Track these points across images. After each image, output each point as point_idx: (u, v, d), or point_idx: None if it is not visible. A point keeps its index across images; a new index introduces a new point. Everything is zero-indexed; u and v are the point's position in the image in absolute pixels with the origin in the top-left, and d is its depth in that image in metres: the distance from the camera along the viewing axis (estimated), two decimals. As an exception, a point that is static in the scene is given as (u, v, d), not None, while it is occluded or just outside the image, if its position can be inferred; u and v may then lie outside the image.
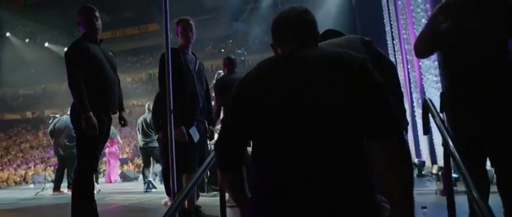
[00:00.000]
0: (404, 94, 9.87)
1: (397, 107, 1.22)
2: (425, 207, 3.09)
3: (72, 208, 2.82)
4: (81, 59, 2.90)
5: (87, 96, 2.82)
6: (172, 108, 2.80)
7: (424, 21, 6.00)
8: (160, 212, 3.92)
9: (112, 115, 3.14)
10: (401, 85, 10.39)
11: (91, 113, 2.79)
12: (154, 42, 27.42)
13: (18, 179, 15.74)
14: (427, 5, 6.21)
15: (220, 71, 6.77)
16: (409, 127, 9.72)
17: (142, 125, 6.66)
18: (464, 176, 1.58)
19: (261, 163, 1.21)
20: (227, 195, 2.17)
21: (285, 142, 1.14)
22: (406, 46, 8.76)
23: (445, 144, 1.90)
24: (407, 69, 8.90)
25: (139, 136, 6.81)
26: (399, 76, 11.08)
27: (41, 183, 8.39)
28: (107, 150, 10.73)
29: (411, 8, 7.06)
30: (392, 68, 2.23)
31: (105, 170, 12.91)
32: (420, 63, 7.19)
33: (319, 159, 1.11)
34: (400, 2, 8.79)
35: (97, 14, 3.09)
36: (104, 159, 12.48)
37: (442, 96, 2.28)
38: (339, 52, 1.22)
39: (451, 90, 2.19)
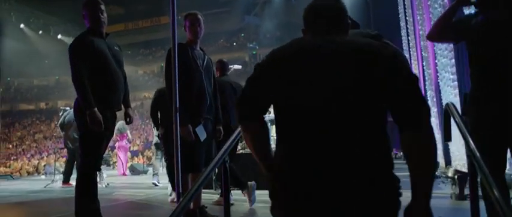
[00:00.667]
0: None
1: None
2: None
3: (76, 207, 2.76)
4: (85, 53, 2.81)
5: (91, 92, 2.73)
6: (178, 106, 2.72)
7: (441, 17, 5.79)
8: (166, 210, 3.88)
9: (118, 112, 3.05)
10: (416, 83, 10.11)
11: (96, 109, 2.71)
12: (167, 35, 27.29)
13: (32, 169, 15.98)
14: (445, 0, 5.98)
15: (232, 66, 6.70)
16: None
17: None
18: (486, 176, 1.46)
19: (285, 141, 1.24)
20: (227, 197, 2.09)
21: (309, 119, 1.17)
22: (421, 43, 8.52)
23: (469, 152, 1.75)
24: (422, 66, 8.66)
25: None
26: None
27: (52, 174, 8.45)
28: (117, 144, 10.83)
29: (429, 3, 6.82)
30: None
31: (115, 162, 13.01)
32: (436, 61, 6.96)
33: (341, 138, 1.14)
34: (416, -3, 8.54)
35: (102, 7, 2.99)
36: (115, 151, 12.58)
37: (466, 97, 2.15)
38: (371, 41, 1.27)
39: (479, 89, 2.05)
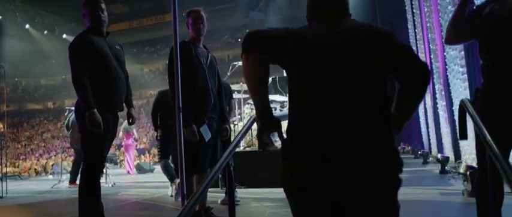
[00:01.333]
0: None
1: None
2: None
3: (79, 209, 2.72)
4: (85, 52, 2.74)
5: (92, 92, 2.67)
6: (181, 105, 2.66)
7: (450, 8, 5.64)
8: (171, 211, 3.83)
9: (120, 113, 2.99)
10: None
11: (95, 110, 2.64)
12: (171, 33, 27.33)
13: (40, 169, 16.09)
14: (454, -9, 5.83)
15: (235, 63, 6.64)
16: (432, 120, 9.37)
17: None
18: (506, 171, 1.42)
19: (297, 121, 1.33)
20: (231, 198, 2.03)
21: (319, 100, 1.29)
22: (429, 35, 8.37)
23: (487, 150, 1.66)
24: (430, 58, 8.51)
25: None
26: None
27: (60, 174, 8.47)
28: (123, 143, 10.88)
29: (436, -5, 6.68)
30: None
31: (122, 160, 13.05)
32: (445, 53, 6.82)
33: (348, 119, 1.26)
34: (423, -11, 8.38)
35: (103, 5, 2.92)
36: (121, 150, 12.61)
37: (477, 92, 2.05)
38: (371, 23, 1.44)
39: (491, 85, 1.95)
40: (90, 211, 2.69)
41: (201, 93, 2.91)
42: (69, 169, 8.52)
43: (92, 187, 2.72)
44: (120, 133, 10.21)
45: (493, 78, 1.95)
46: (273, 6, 24.08)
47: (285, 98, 5.91)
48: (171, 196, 4.73)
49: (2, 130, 7.08)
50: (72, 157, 10.99)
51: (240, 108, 6.93)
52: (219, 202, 4.02)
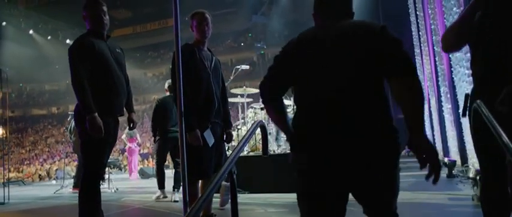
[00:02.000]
0: (431, 87, 9.42)
1: None
2: None
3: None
4: (85, 55, 2.67)
5: (92, 96, 2.61)
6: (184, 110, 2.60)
7: (455, 10, 5.57)
8: (174, 218, 3.78)
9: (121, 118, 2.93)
10: (428, 78, 9.79)
11: (96, 114, 2.58)
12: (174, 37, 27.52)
13: (44, 174, 16.08)
14: (458, -8, 5.76)
15: (238, 67, 6.59)
16: (437, 123, 9.27)
17: None
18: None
19: (303, 108, 1.53)
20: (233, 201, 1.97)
21: (323, 92, 1.46)
22: (433, 37, 8.29)
23: (507, 156, 1.58)
24: (435, 61, 8.43)
25: None
26: (425, 69, 10.54)
27: (63, 179, 8.44)
28: (126, 147, 10.86)
29: (440, -4, 6.61)
30: None
31: (126, 165, 13.02)
32: (450, 55, 6.74)
33: (348, 91, 1.43)
34: (427, -9, 8.32)
35: (105, 8, 2.86)
36: (125, 154, 12.57)
37: (468, 97, 1.96)
38: (365, 21, 1.54)
39: (479, 93, 1.87)
40: (90, 219, 2.63)
41: (205, 97, 2.85)
42: (73, 174, 8.51)
43: (92, 194, 2.66)
44: (123, 137, 10.19)
45: (483, 84, 1.87)
46: (275, 10, 24.09)
47: (290, 102, 5.87)
48: (175, 201, 4.71)
49: (4, 135, 7.05)
50: (76, 162, 10.98)
51: (243, 112, 6.87)
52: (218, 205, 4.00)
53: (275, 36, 24.84)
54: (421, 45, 10.14)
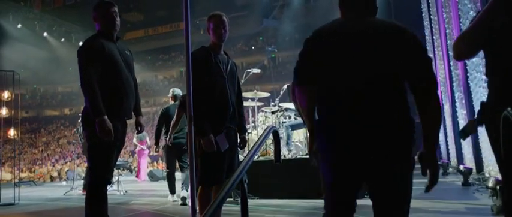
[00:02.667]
0: (445, 92, 9.22)
1: None
2: None
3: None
4: (95, 57, 2.62)
5: (101, 99, 2.55)
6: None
7: (472, 13, 5.43)
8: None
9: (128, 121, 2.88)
10: (442, 83, 9.59)
11: (106, 117, 2.52)
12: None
13: (55, 174, 16.24)
14: (476, -5, 5.62)
15: (249, 70, 6.54)
16: (450, 129, 9.07)
17: None
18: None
19: (328, 101, 1.60)
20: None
21: (348, 71, 1.55)
22: (448, 41, 8.12)
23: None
24: (449, 66, 8.25)
25: None
26: (439, 74, 10.35)
27: (73, 181, 8.48)
28: (136, 149, 10.89)
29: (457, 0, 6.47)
30: None
31: (136, 167, 13.06)
32: (466, 60, 6.58)
33: (372, 84, 1.51)
34: (442, -5, 8.16)
35: (116, 9, 2.81)
36: (135, 156, 12.62)
37: (484, 106, 1.84)
38: (396, 22, 1.60)
39: (499, 104, 1.75)
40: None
41: (219, 102, 2.74)
42: (83, 175, 8.54)
43: (99, 199, 2.61)
44: (134, 140, 10.24)
45: (501, 94, 1.76)
46: (287, 13, 24.01)
47: (288, 105, 5.82)
48: (183, 198, 4.83)
49: (15, 137, 7.11)
50: (86, 164, 11.04)
51: (253, 116, 6.80)
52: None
53: (286, 40, 24.78)
54: (435, 49, 9.96)
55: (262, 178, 5.10)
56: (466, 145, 7.46)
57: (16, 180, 6.79)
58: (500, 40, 1.74)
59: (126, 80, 2.74)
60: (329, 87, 1.58)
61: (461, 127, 7.83)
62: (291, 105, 6.41)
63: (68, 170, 15.33)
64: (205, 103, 2.62)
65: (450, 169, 8.17)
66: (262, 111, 6.75)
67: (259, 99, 6.71)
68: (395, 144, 1.48)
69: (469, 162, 7.11)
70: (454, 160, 8.69)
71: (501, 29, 1.74)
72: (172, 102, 5.67)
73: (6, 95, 6.80)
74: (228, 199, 4.78)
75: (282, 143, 5.81)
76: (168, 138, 5.14)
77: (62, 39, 26.08)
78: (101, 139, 2.53)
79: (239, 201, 4.46)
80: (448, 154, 9.46)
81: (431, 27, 10.26)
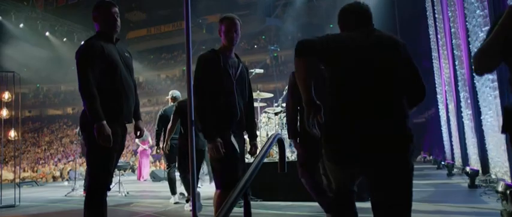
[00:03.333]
0: (450, 91, 9.10)
1: None
2: None
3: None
4: (94, 59, 2.53)
5: (100, 102, 2.48)
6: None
7: (479, 12, 5.33)
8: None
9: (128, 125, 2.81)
10: (447, 83, 9.45)
11: (105, 122, 2.45)
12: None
13: (58, 174, 16.23)
14: (483, -7, 5.52)
15: (252, 70, 6.47)
16: (455, 129, 8.95)
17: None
18: None
19: (337, 91, 1.79)
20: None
21: (355, 77, 1.75)
22: (453, 40, 8.01)
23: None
24: (454, 65, 8.14)
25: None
26: (443, 73, 10.21)
27: (74, 181, 8.43)
28: (138, 149, 10.84)
29: (462, -2, 6.36)
30: None
31: (136, 167, 13.02)
32: (471, 60, 6.47)
33: (378, 90, 1.73)
34: (447, -7, 8.05)
35: (117, 10, 2.73)
36: (137, 156, 12.58)
37: (508, 111, 1.75)
38: (392, 35, 1.86)
39: None
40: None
41: (226, 107, 2.66)
42: (85, 175, 8.49)
43: (98, 204, 2.54)
44: (136, 140, 10.22)
45: None
46: (289, 12, 23.90)
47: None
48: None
49: (16, 138, 7.06)
50: (87, 164, 11.02)
51: (256, 117, 6.73)
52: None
53: (289, 39, 24.66)
54: (440, 48, 9.83)
55: (265, 181, 5.03)
56: (472, 145, 7.35)
57: (18, 181, 6.75)
58: None
59: (126, 83, 2.66)
60: (342, 91, 1.75)
61: (466, 127, 7.73)
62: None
63: (70, 170, 15.31)
64: (211, 108, 2.55)
65: (455, 170, 8.07)
66: (265, 112, 6.67)
67: (262, 100, 6.64)
68: (395, 143, 1.67)
69: (475, 162, 7.00)
70: (458, 160, 8.59)
71: None
72: (171, 103, 5.64)
73: (6, 95, 6.76)
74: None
75: (285, 144, 5.73)
76: (165, 144, 5.10)
77: (64, 39, 26.09)
78: (99, 144, 2.46)
79: (242, 204, 4.40)
80: (453, 154, 9.35)
81: (436, 25, 10.13)
